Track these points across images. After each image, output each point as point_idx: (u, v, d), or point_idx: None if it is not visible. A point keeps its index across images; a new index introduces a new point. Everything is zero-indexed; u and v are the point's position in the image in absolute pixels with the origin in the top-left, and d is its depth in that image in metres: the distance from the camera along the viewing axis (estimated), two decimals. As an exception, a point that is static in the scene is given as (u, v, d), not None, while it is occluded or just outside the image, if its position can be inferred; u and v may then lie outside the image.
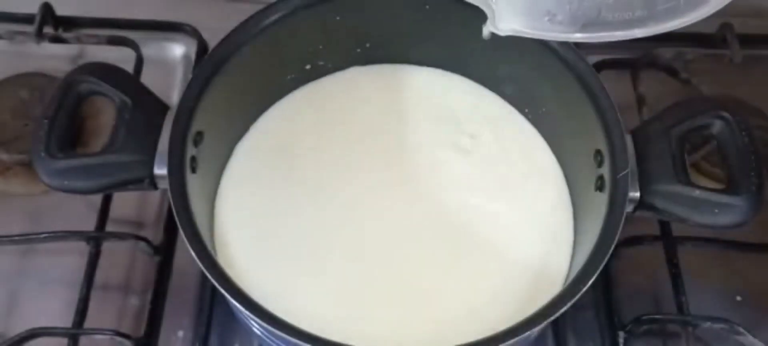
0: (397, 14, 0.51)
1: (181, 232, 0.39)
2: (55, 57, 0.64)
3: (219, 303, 0.53)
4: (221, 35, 0.46)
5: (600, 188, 0.43)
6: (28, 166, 0.58)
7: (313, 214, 0.48)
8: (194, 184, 0.42)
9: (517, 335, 0.37)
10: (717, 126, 0.43)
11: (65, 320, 0.50)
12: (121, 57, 0.59)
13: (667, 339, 0.53)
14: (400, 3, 0.50)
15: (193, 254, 0.39)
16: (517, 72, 0.51)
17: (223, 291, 0.38)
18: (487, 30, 0.44)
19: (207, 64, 0.45)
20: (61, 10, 0.64)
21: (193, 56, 0.64)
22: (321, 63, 0.53)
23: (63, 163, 0.41)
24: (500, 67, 0.52)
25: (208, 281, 0.39)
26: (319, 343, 0.37)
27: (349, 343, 0.37)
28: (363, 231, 0.47)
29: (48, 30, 0.64)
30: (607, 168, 0.42)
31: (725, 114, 0.42)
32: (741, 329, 0.50)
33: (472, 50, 0.51)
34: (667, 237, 0.55)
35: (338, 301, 0.44)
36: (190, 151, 0.43)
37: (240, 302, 0.38)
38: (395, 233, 0.47)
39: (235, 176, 0.50)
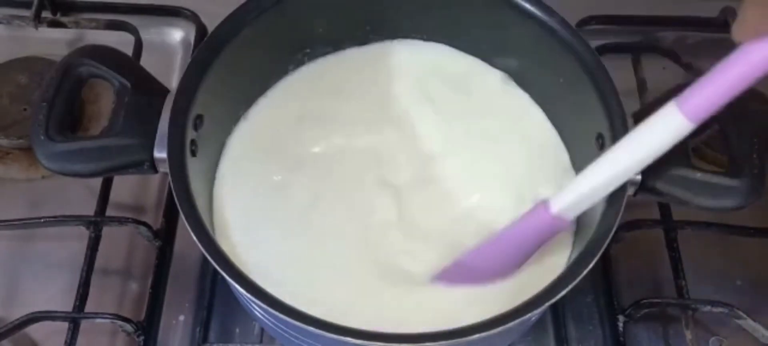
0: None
1: (181, 215, 0.39)
2: (53, 42, 0.64)
3: (220, 287, 0.53)
4: (220, 19, 0.46)
5: (601, 171, 0.43)
6: (27, 151, 0.58)
7: (313, 196, 0.47)
8: (194, 167, 0.42)
9: (516, 319, 0.37)
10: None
11: (66, 305, 0.50)
12: (120, 41, 0.59)
13: (666, 323, 0.53)
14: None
15: (193, 236, 0.39)
16: (520, 55, 0.50)
17: (223, 274, 0.38)
18: None
19: (206, 48, 0.45)
20: (59, -6, 0.64)
21: (192, 40, 0.64)
22: (320, 46, 0.53)
23: (62, 147, 0.41)
24: (502, 50, 0.51)
25: (209, 265, 0.39)
26: (320, 325, 0.37)
27: (350, 326, 0.37)
28: (364, 212, 0.47)
29: (46, 14, 0.64)
30: (608, 151, 0.42)
31: (727, 96, 0.42)
32: (741, 313, 0.50)
33: (474, 32, 0.51)
34: (667, 221, 0.55)
35: (339, 283, 0.44)
36: (190, 134, 0.43)
37: (241, 285, 0.38)
38: (397, 215, 0.47)
39: (234, 158, 0.49)
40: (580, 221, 0.47)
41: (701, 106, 0.33)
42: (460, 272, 0.43)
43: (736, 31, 0.31)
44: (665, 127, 0.35)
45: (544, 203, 0.40)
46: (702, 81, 0.33)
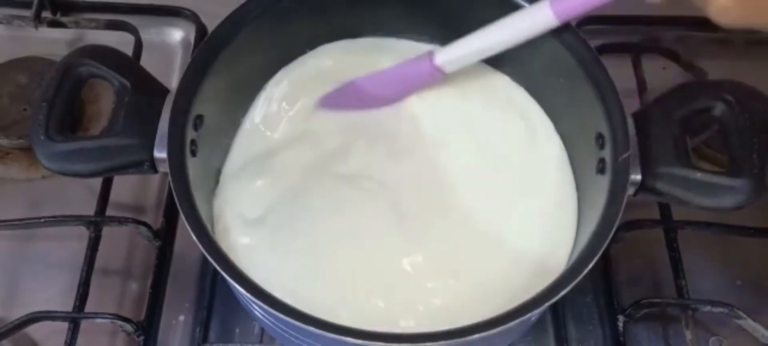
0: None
1: (181, 215, 0.39)
2: (53, 42, 0.64)
3: (220, 287, 0.53)
4: (220, 19, 0.46)
5: (601, 170, 0.43)
6: (27, 151, 0.58)
7: (314, 195, 0.47)
8: (194, 167, 0.42)
9: (516, 319, 0.37)
10: (719, 109, 0.42)
11: (66, 305, 0.50)
12: (120, 42, 0.59)
13: (666, 323, 0.53)
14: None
15: (193, 237, 0.39)
16: (519, 55, 0.50)
17: (223, 274, 0.38)
18: None
19: (206, 48, 0.45)
20: (59, -6, 0.64)
21: (192, 41, 0.64)
22: (322, 45, 0.53)
23: (62, 147, 0.41)
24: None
25: (209, 265, 0.39)
26: (321, 326, 0.37)
27: (352, 326, 0.37)
28: (364, 212, 0.46)
29: (46, 14, 0.64)
30: (608, 151, 0.42)
31: (727, 97, 0.42)
32: (741, 313, 0.50)
33: (474, 30, 0.51)
34: (667, 221, 0.55)
35: (340, 283, 0.44)
36: (190, 134, 0.43)
37: (240, 285, 0.38)
38: (396, 214, 0.46)
39: (235, 158, 0.49)
40: (581, 220, 0.47)
41: (567, 9, 0.41)
42: (344, 97, 0.49)
43: None
44: (536, 17, 0.43)
45: (429, 54, 0.47)
46: None
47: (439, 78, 0.48)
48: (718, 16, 0.35)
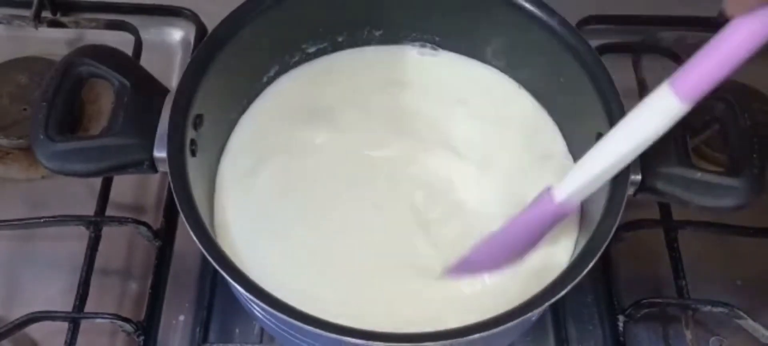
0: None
1: (181, 215, 0.39)
2: (53, 41, 0.64)
3: (220, 287, 0.53)
4: (220, 19, 0.46)
5: (601, 170, 0.43)
6: (27, 151, 0.58)
7: (314, 195, 0.47)
8: (194, 167, 0.42)
9: (516, 319, 0.37)
10: (719, 109, 0.42)
11: (66, 305, 0.50)
12: (120, 41, 0.59)
13: (667, 323, 0.53)
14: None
15: (193, 236, 0.39)
16: (520, 55, 0.50)
17: (223, 273, 0.38)
18: None
19: (206, 48, 0.45)
20: (59, -6, 0.64)
21: (192, 41, 0.64)
22: (321, 45, 0.53)
23: (62, 146, 0.41)
24: (503, 51, 0.51)
25: (209, 265, 0.39)
26: (321, 325, 0.37)
27: (351, 325, 0.37)
28: (364, 211, 0.47)
29: (46, 14, 0.64)
30: (608, 151, 0.42)
31: (727, 97, 0.42)
32: (741, 313, 0.50)
33: (474, 33, 0.51)
34: (667, 221, 0.55)
35: (340, 282, 0.44)
36: (190, 134, 0.43)
37: (240, 285, 0.38)
38: (396, 215, 0.47)
39: (234, 157, 0.49)
40: (581, 221, 0.47)
41: (695, 86, 0.33)
42: (470, 265, 0.44)
43: (729, 4, 0.31)
44: (659, 111, 0.35)
45: (548, 193, 0.41)
46: (694, 59, 0.32)
47: (566, 214, 0.41)
48: (733, 7, 0.30)
